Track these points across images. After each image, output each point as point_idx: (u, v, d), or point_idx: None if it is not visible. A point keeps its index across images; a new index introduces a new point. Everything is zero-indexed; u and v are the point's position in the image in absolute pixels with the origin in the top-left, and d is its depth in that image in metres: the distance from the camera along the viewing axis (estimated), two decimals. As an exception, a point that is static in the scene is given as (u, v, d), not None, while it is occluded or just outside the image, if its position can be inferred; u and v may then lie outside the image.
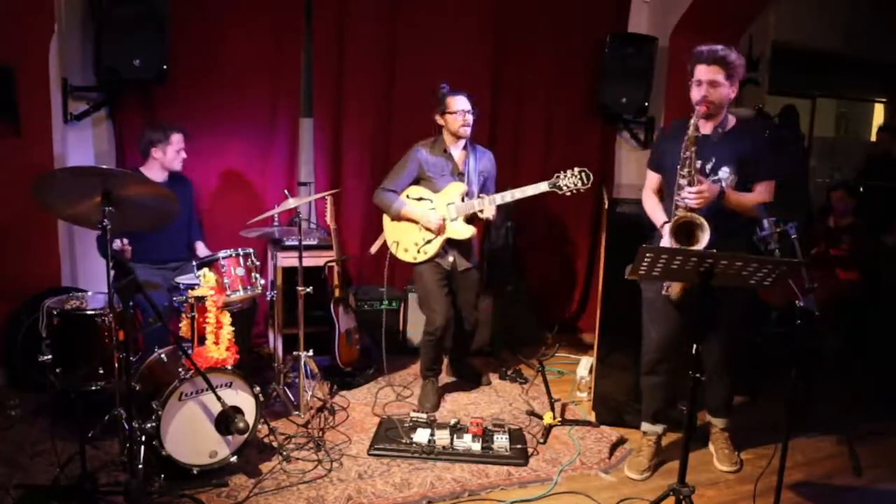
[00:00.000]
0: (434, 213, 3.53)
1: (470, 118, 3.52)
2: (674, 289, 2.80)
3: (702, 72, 2.69)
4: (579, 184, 3.35)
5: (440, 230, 3.51)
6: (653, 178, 3.05)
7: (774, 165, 2.83)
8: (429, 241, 3.55)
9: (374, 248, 4.00)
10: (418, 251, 3.57)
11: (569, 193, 3.39)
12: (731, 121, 2.83)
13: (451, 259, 3.61)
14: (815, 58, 6.46)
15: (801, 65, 6.48)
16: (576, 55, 4.99)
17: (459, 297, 3.76)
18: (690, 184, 2.63)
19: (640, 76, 4.86)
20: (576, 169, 3.36)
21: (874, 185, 5.24)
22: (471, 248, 3.69)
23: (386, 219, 3.69)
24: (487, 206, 3.47)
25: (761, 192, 2.78)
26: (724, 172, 2.72)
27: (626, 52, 4.84)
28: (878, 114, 8.24)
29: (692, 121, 2.61)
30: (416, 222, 3.56)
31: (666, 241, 2.75)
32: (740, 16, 5.02)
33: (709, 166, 2.77)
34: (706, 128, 2.79)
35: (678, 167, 2.65)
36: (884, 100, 8.12)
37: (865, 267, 4.47)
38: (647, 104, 4.96)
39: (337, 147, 4.54)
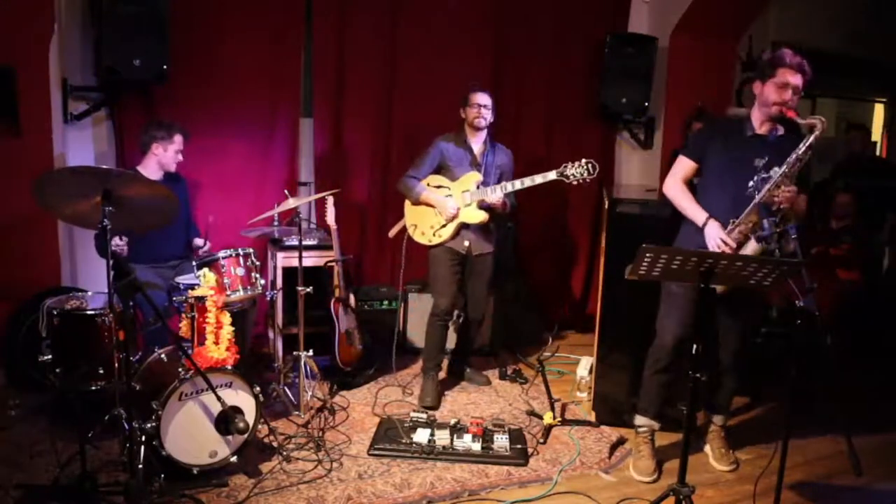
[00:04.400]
0: (451, 199, 3.66)
1: (486, 112, 3.68)
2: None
3: (792, 77, 2.77)
4: (585, 174, 3.48)
5: (454, 216, 3.64)
6: (687, 167, 3.03)
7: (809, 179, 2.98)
8: (444, 226, 3.68)
9: (392, 232, 4.11)
10: (434, 234, 3.70)
11: (575, 183, 3.52)
12: (781, 128, 2.89)
13: (466, 243, 3.71)
14: (815, 58, 6.44)
15: (801, 65, 6.46)
16: (576, 55, 5.00)
17: (470, 284, 3.83)
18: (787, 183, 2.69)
19: (640, 76, 4.87)
20: (583, 160, 3.50)
21: (860, 184, 5.23)
22: (488, 234, 3.81)
23: (407, 203, 3.83)
24: (497, 192, 3.61)
25: (804, 199, 2.89)
26: (775, 172, 2.75)
27: (626, 52, 4.84)
28: (879, 114, 8.23)
29: (806, 121, 2.66)
30: (433, 207, 3.69)
31: (712, 244, 2.78)
32: (740, 16, 5.02)
33: (762, 163, 2.81)
34: (763, 128, 2.87)
35: (785, 166, 2.68)
36: (884, 100, 8.11)
37: (865, 267, 4.47)
38: (647, 104, 4.96)
39: (337, 147, 4.54)
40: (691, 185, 3.05)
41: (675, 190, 3.04)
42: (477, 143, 3.75)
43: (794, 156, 2.67)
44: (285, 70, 4.31)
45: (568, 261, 5.27)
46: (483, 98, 3.68)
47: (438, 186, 3.73)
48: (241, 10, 4.13)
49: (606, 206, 3.48)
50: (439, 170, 3.75)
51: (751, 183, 2.77)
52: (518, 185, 3.57)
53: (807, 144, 2.66)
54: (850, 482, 3.05)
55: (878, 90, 7.97)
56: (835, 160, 6.21)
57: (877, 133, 8.14)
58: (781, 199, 2.70)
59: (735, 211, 2.80)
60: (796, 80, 2.78)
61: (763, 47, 5.58)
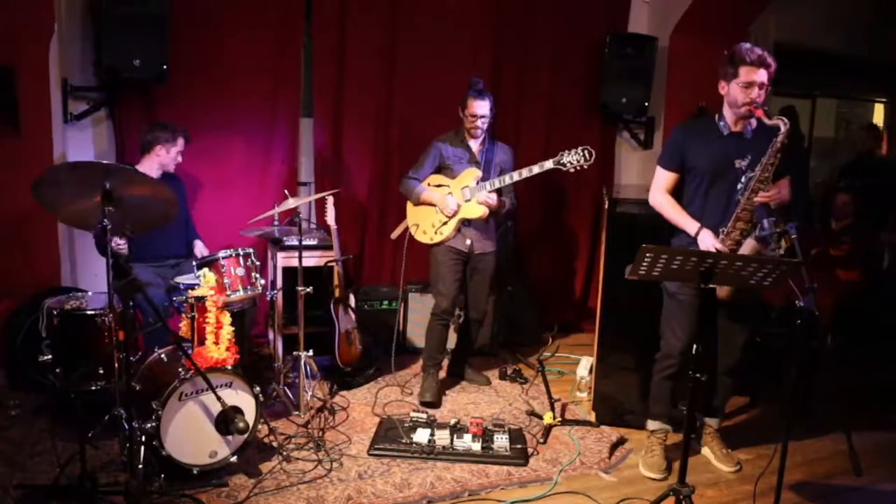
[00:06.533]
0: (451, 197, 3.66)
1: (482, 122, 3.66)
2: (723, 290, 2.77)
3: (755, 74, 2.71)
4: (582, 160, 3.47)
5: (455, 212, 3.64)
6: (668, 178, 2.99)
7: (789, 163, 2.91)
8: (444, 223, 3.68)
9: (395, 234, 4.15)
10: (435, 232, 3.70)
11: (573, 170, 3.51)
12: (754, 121, 2.85)
13: (468, 242, 3.71)
14: (815, 58, 6.45)
15: (801, 65, 6.47)
16: (576, 55, 5.00)
17: (471, 284, 3.83)
18: (764, 187, 2.67)
19: (640, 76, 4.87)
20: (579, 147, 3.48)
21: (864, 184, 5.24)
22: (489, 232, 3.81)
23: (409, 204, 3.83)
24: (495, 185, 3.61)
25: (786, 187, 2.82)
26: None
27: (626, 52, 4.85)
28: (879, 114, 8.23)
29: (771, 122, 2.63)
30: (434, 206, 3.70)
31: (708, 247, 2.75)
32: (740, 16, 5.01)
33: (745, 163, 2.78)
34: (738, 126, 2.85)
35: (758, 170, 2.66)
36: (884, 100, 8.11)
37: (866, 267, 4.47)
38: (647, 104, 4.96)
39: (337, 147, 4.54)
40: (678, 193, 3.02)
41: (662, 201, 2.99)
42: (475, 141, 3.75)
43: (763, 160, 2.66)
44: (285, 70, 4.31)
45: (568, 261, 5.27)
46: (480, 107, 3.62)
47: (439, 185, 3.73)
48: (241, 10, 4.12)
49: (606, 206, 3.47)
50: (440, 169, 3.77)
51: (739, 185, 2.76)
52: (516, 176, 3.57)
53: (774, 148, 2.64)
54: (850, 482, 3.05)
55: (878, 90, 7.98)
56: (836, 159, 6.25)
57: (860, 132, 8.13)
58: (773, 200, 2.67)
59: (725, 216, 2.78)
60: (760, 76, 2.72)
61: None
